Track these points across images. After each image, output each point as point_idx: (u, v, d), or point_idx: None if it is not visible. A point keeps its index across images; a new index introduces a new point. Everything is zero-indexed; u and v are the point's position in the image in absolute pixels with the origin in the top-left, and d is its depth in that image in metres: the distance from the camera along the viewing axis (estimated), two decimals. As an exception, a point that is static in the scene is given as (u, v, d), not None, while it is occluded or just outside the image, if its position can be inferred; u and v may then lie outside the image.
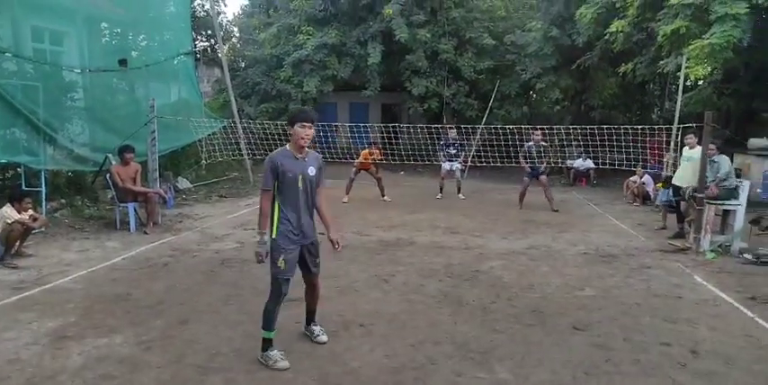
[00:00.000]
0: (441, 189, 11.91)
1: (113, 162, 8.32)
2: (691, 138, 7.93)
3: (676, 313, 4.80)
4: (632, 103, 19.28)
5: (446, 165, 11.88)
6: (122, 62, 10.33)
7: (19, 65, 8.17)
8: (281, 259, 3.68)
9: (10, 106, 7.44)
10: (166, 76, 12.10)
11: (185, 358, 3.71)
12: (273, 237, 3.69)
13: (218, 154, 12.19)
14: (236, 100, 14.26)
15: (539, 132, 10.51)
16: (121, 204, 7.89)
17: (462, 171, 12.11)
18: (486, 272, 6.04)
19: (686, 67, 10.65)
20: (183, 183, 11.61)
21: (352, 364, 3.67)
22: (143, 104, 9.84)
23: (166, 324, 4.32)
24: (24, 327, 4.17)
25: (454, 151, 11.82)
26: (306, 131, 3.60)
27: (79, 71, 9.74)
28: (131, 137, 8.80)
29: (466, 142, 12.97)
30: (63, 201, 8.67)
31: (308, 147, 3.75)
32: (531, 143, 10.50)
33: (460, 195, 11.77)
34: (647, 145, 10.63)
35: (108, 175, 8.08)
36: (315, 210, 3.87)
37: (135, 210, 7.93)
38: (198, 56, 17.55)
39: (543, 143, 10.53)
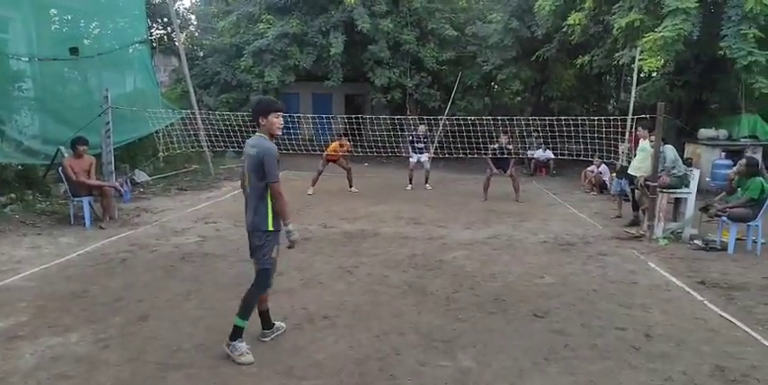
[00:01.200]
0: (410, 180, 11.98)
1: (66, 154, 8.01)
2: (640, 131, 8.18)
3: (631, 298, 4.98)
4: (589, 95, 19.74)
5: (413, 158, 11.97)
6: (74, 50, 9.92)
7: (-41, 53, 7.76)
8: (275, 250, 3.73)
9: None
10: (121, 65, 11.69)
11: (145, 355, 3.63)
12: (271, 229, 3.68)
13: (176, 146, 11.88)
14: (194, 90, 13.91)
15: (505, 136, 10.69)
16: (75, 198, 7.61)
17: (429, 160, 12.20)
18: (449, 261, 6.11)
19: (640, 60, 10.95)
20: (141, 176, 11.28)
21: (316, 357, 3.66)
22: (96, 95, 9.48)
23: (125, 321, 4.21)
24: (-28, 328, 4.00)
25: (421, 146, 11.93)
26: (281, 120, 3.67)
27: (27, 60, 9.32)
28: (85, 128, 8.48)
29: (430, 134, 13.04)
30: (13, 195, 8.30)
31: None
32: (496, 145, 10.62)
33: (427, 186, 11.91)
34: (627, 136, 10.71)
35: (60, 169, 7.77)
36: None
37: (90, 205, 7.67)
38: (154, 44, 17.03)
39: (509, 146, 10.65)
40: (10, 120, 8.48)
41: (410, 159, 12.08)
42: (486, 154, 10.90)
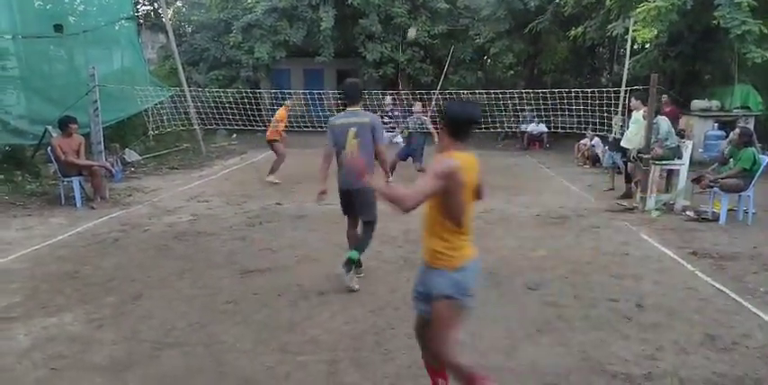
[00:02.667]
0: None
1: (54, 134, 7.90)
2: (633, 102, 8.13)
3: (623, 270, 5.02)
4: (583, 67, 19.55)
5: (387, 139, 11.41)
6: (58, 28, 9.68)
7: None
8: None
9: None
10: (107, 42, 11.45)
11: (139, 334, 3.64)
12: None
13: (166, 124, 11.74)
14: (183, 67, 13.68)
15: (418, 104, 10.10)
16: (65, 179, 7.53)
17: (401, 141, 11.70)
18: (442, 236, 6.11)
19: (633, 31, 10.82)
20: (131, 156, 11.17)
21: (311, 332, 3.68)
22: (83, 73, 9.29)
23: (118, 301, 4.21)
24: (-35, 310, 3.99)
25: (388, 120, 11.05)
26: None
27: (10, 37, 9.10)
28: (72, 107, 8.34)
29: (401, 109, 12.24)
30: (1, 176, 8.21)
31: None
32: (411, 117, 9.90)
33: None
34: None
35: (49, 149, 7.67)
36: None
37: (80, 185, 7.60)
38: (141, 21, 16.68)
39: (423, 117, 9.85)
40: (-6, 100, 8.34)
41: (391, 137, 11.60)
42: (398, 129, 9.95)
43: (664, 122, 7.53)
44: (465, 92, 11.99)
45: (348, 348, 3.46)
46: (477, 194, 2.86)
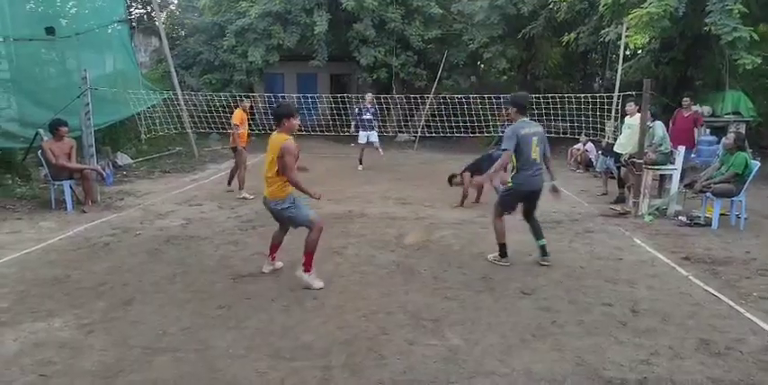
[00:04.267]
0: (360, 160, 11.56)
1: (45, 137, 7.83)
2: (630, 107, 8.18)
3: (617, 274, 5.02)
4: (575, 73, 19.68)
5: (362, 137, 11.49)
6: (50, 30, 9.62)
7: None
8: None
9: None
10: (100, 45, 11.40)
11: (130, 339, 3.59)
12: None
13: (158, 128, 11.67)
14: (176, 71, 13.63)
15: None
16: (56, 182, 7.47)
17: (413, 140, 12.02)
18: (436, 241, 6.11)
19: (626, 36, 10.90)
20: (123, 159, 11.10)
21: (304, 338, 3.64)
22: (75, 76, 9.25)
23: (109, 305, 4.15)
24: (-48, 315, 3.92)
25: (369, 116, 11.36)
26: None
27: (1, 40, 9.03)
28: (64, 110, 8.27)
29: (377, 109, 12.27)
30: (-9, 180, 8.14)
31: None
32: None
33: (380, 150, 11.78)
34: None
35: (40, 152, 7.60)
36: None
37: (71, 188, 7.53)
38: (133, 24, 16.62)
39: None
40: (-16, 102, 8.26)
41: (359, 139, 11.56)
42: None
43: (659, 128, 7.57)
44: (459, 96, 12.00)
45: (341, 353, 3.43)
46: None
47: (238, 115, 8.61)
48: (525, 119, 5.12)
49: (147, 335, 3.67)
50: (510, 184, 5.19)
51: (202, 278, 4.81)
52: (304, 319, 3.95)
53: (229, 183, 8.98)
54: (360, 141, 11.57)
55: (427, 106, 14.63)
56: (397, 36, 16.99)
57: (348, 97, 13.57)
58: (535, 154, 5.05)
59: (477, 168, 7.75)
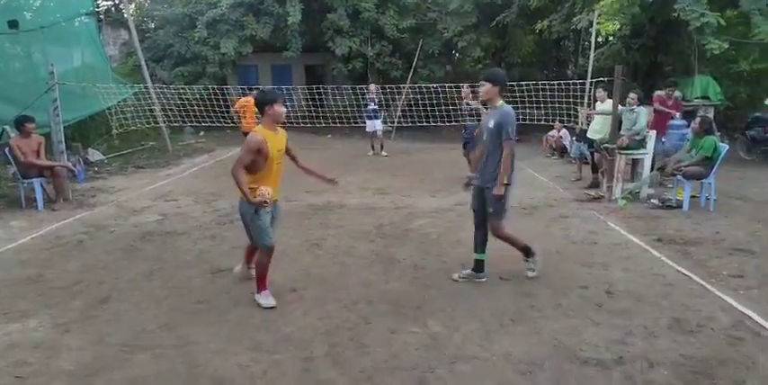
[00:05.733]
0: (372, 147, 12.21)
1: (12, 135, 7.62)
2: (600, 93, 8.28)
3: (592, 258, 5.12)
4: (549, 60, 19.82)
5: (369, 125, 12.05)
6: (13, 24, 9.31)
7: None
8: None
9: None
10: (67, 39, 11.08)
11: (108, 338, 3.54)
12: None
13: (130, 122, 11.45)
14: (147, 64, 13.34)
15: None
16: (25, 180, 7.28)
17: (389, 130, 12.24)
18: (415, 230, 6.14)
19: (597, 23, 11.00)
20: (95, 155, 10.86)
21: (285, 330, 3.64)
22: (42, 71, 9.00)
23: (85, 304, 4.09)
24: None
25: (374, 106, 11.93)
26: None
27: (-39, 34, 8.74)
28: (31, 106, 8.06)
29: (383, 98, 12.94)
30: (-44, 179, 7.90)
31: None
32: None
33: (383, 152, 12.04)
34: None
35: (7, 150, 7.39)
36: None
37: (41, 186, 7.35)
38: (101, 16, 16.20)
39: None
40: (-54, 99, 8.00)
41: (366, 128, 12.23)
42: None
43: (644, 115, 7.66)
44: (434, 86, 12.03)
45: (323, 344, 3.44)
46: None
47: (239, 103, 10.52)
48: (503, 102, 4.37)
49: (125, 332, 3.62)
50: (506, 183, 4.33)
51: (180, 273, 4.76)
52: (285, 312, 3.95)
53: None
54: (367, 130, 12.23)
55: (403, 96, 14.61)
56: (371, 26, 16.90)
57: (324, 88, 13.48)
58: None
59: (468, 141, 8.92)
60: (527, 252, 4.62)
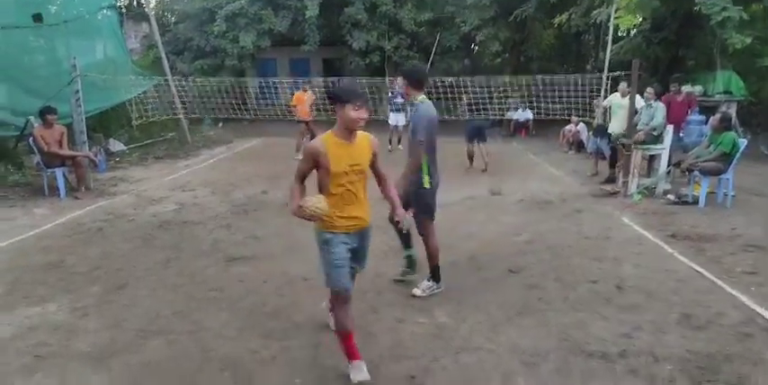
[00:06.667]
0: (390, 141, 11.96)
1: (36, 125, 7.82)
2: (623, 86, 8.18)
3: (604, 253, 5.10)
4: (568, 54, 19.62)
5: (392, 120, 11.89)
6: (37, 17, 9.51)
7: None
8: None
9: None
10: (89, 32, 11.28)
11: (124, 322, 3.65)
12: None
13: (150, 114, 11.64)
14: (167, 57, 13.53)
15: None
16: (48, 169, 7.48)
17: (407, 124, 12.16)
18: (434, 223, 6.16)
19: (615, 17, 10.85)
20: (116, 146, 11.08)
21: (295, 318, 3.72)
22: (65, 63, 9.17)
23: (103, 290, 4.21)
24: (-52, 301, 3.98)
25: (402, 100, 11.63)
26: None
27: (-12, 28, 8.94)
28: (54, 98, 8.25)
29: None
30: (-17, 168, 8.14)
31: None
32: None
33: (400, 146, 11.92)
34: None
35: (31, 139, 7.60)
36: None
37: (64, 175, 7.54)
38: (123, 10, 16.44)
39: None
40: (-27, 91, 8.22)
41: (389, 120, 11.98)
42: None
43: (661, 111, 7.57)
44: (450, 79, 11.98)
45: (331, 332, 3.49)
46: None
47: (294, 97, 11.16)
48: (424, 97, 4.02)
49: (141, 317, 3.74)
50: (426, 185, 4.04)
51: (195, 262, 4.87)
52: (295, 300, 4.02)
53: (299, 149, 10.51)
54: (390, 122, 11.88)
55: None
56: (389, 19, 16.88)
57: (339, 79, 13.52)
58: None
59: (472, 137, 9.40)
60: (435, 273, 4.15)
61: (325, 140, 2.86)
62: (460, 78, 11.96)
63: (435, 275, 4.16)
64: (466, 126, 10.00)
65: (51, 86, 8.77)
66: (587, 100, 10.02)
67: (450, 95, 12.36)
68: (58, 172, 7.44)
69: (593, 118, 9.68)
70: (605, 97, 9.87)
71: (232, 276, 4.52)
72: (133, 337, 3.45)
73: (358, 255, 3.13)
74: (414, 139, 3.91)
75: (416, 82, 4.00)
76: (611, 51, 11.92)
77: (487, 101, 10.83)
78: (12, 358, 3.17)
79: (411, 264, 4.39)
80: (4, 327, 3.56)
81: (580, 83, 9.70)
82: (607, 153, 8.72)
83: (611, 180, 8.24)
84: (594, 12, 11.97)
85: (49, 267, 4.69)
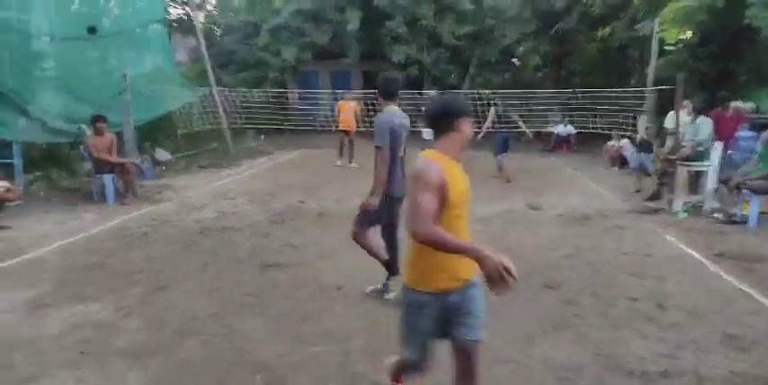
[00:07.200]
0: None
1: (88, 133, 8.19)
2: (684, 104, 7.96)
3: (645, 270, 4.95)
4: (612, 68, 19.24)
5: (426, 134, 11.81)
6: (92, 30, 10.02)
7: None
8: None
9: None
10: (140, 44, 11.79)
11: (163, 323, 3.76)
12: None
13: (195, 124, 12.02)
14: (213, 69, 13.97)
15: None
16: (98, 175, 7.81)
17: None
18: (462, 235, 6.12)
19: (660, 31, 10.62)
20: (162, 155, 11.46)
21: (326, 325, 3.75)
22: (116, 74, 9.63)
23: (144, 291, 4.35)
24: (1, 297, 4.18)
25: None
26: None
27: (49, 39, 9.46)
28: (105, 107, 8.63)
29: None
30: (39, 173, 8.54)
31: None
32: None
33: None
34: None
35: (83, 147, 7.96)
36: None
37: (112, 182, 7.85)
38: (172, 24, 17.11)
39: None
40: (33, 99, 8.67)
41: (423, 135, 11.87)
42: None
43: (707, 126, 7.37)
44: (487, 91, 11.90)
45: (361, 339, 3.52)
46: None
47: (338, 106, 11.71)
48: (394, 107, 4.08)
49: (179, 319, 3.84)
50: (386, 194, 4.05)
51: (232, 267, 4.97)
52: (327, 307, 4.06)
53: (341, 154, 11.32)
54: (425, 137, 11.74)
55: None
56: (428, 33, 16.98)
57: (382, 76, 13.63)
58: (402, 152, 4.14)
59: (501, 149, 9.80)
60: (391, 265, 4.20)
61: (442, 162, 2.27)
62: (495, 92, 11.86)
63: (391, 272, 4.19)
64: (494, 138, 10.18)
65: (103, 96, 9.19)
66: (630, 115, 9.81)
67: (484, 109, 12.28)
68: (107, 178, 7.75)
69: (636, 133, 9.45)
70: (651, 112, 9.64)
71: (267, 282, 4.60)
72: (170, 337, 3.55)
73: (458, 319, 2.40)
74: (376, 147, 3.96)
75: (387, 93, 4.09)
76: (656, 66, 11.64)
77: (524, 114, 10.75)
78: (58, 353, 3.31)
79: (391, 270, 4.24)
80: (52, 324, 3.72)
81: (622, 97, 9.51)
82: (651, 169, 8.49)
83: (655, 197, 8.00)
84: (638, 25, 11.76)
85: (95, 268, 4.89)
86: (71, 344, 3.42)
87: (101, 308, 4.00)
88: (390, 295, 4.12)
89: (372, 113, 13.27)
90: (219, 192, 8.70)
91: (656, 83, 10.95)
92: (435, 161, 2.26)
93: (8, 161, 7.54)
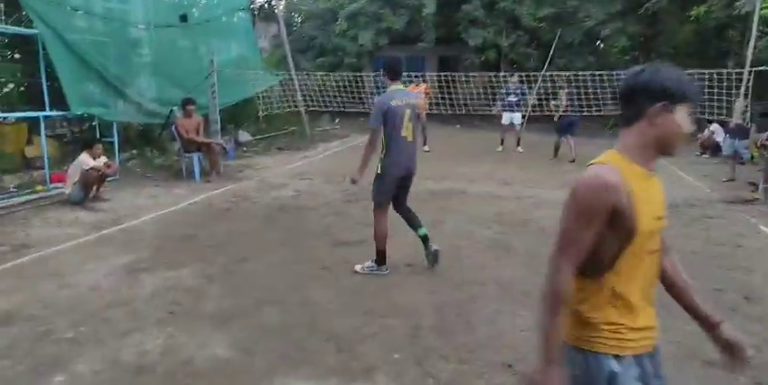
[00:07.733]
0: (501, 141, 11.59)
1: (178, 115, 8.73)
2: None
3: (733, 261, 4.68)
4: (707, 51, 17.88)
5: (506, 118, 11.51)
6: (183, 18, 10.59)
7: (90, 22, 8.61)
8: None
9: (82, 61, 7.88)
10: (226, 32, 12.34)
11: (243, 291, 4.01)
12: None
13: (275, 107, 12.49)
14: (292, 55, 14.37)
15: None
16: (186, 155, 8.33)
17: (521, 124, 11.70)
18: (536, 220, 6.03)
19: (763, 8, 9.74)
20: (244, 136, 12.02)
21: (396, 299, 3.85)
22: (205, 60, 10.15)
23: (227, 261, 4.64)
24: (102, 261, 4.61)
25: (515, 99, 11.28)
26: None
27: (144, 27, 10.12)
28: (194, 91, 9.14)
29: (528, 90, 12.30)
30: (134, 151, 9.24)
31: None
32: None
33: (519, 149, 11.35)
34: None
35: (173, 127, 8.51)
36: None
37: (199, 160, 8.34)
38: (255, 12, 17.72)
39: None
40: (131, 83, 9.34)
41: (503, 115, 11.54)
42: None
43: None
44: (567, 74, 11.37)
45: (430, 316, 3.59)
46: None
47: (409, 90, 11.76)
48: (399, 86, 4.34)
49: (258, 288, 4.08)
50: (378, 171, 4.29)
51: (307, 243, 5.19)
52: (398, 283, 4.16)
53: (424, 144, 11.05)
54: (503, 122, 11.57)
55: (539, 84, 14.03)
56: (507, 16, 16.53)
57: (452, 77, 13.46)
58: (407, 131, 4.22)
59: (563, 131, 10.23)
60: (380, 257, 4.36)
61: (621, 169, 1.49)
62: (579, 74, 11.31)
63: (378, 259, 4.35)
64: (560, 121, 10.29)
65: (192, 80, 9.73)
66: (725, 98, 9.12)
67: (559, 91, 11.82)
68: (195, 157, 8.25)
69: (731, 117, 8.80)
70: (747, 96, 8.93)
71: (339, 257, 4.76)
72: (251, 304, 3.78)
73: None
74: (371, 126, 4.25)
75: (392, 72, 4.34)
76: (756, 47, 10.69)
77: (604, 96, 10.32)
78: (151, 312, 3.63)
79: (425, 241, 4.45)
80: (147, 286, 4.07)
81: (716, 79, 8.84)
82: (746, 157, 7.91)
83: (752, 185, 7.46)
84: (738, 2, 10.85)
85: (184, 239, 5.27)
86: (163, 305, 3.73)
87: (189, 274, 4.32)
88: (358, 267, 4.38)
89: (447, 96, 13.19)
90: (296, 172, 9.03)
91: (757, 64, 10.09)
92: (610, 169, 1.48)
93: (109, 140, 8.19)
